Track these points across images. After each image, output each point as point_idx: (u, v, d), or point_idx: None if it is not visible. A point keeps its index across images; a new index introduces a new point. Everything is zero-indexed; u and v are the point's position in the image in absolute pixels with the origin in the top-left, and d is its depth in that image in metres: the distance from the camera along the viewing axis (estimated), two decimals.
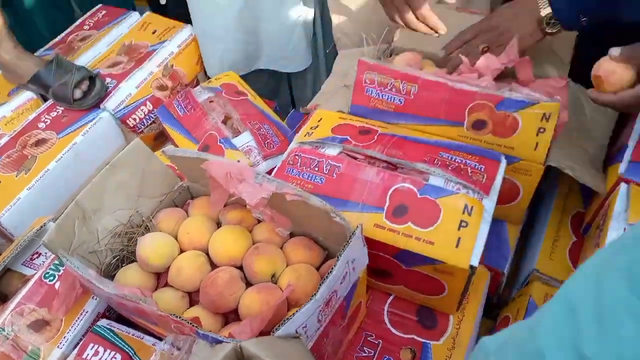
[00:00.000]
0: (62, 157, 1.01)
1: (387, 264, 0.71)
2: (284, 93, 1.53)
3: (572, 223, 0.86)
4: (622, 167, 0.73)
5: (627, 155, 0.74)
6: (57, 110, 1.09)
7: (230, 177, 0.65)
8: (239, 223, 0.71)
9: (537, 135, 0.72)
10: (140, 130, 1.15)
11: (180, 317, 0.54)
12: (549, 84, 0.77)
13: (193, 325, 0.53)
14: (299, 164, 0.74)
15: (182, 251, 0.69)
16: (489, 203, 0.68)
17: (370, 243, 0.65)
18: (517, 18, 0.81)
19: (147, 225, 0.71)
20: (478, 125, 0.74)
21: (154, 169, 0.73)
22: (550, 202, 0.89)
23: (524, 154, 0.74)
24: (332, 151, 0.75)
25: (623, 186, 0.71)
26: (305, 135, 0.79)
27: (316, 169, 0.73)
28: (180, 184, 0.76)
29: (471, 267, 0.64)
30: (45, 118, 1.08)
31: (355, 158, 0.74)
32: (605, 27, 0.75)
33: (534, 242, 0.86)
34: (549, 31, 0.80)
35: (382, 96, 0.78)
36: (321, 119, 0.81)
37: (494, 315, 0.89)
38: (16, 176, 0.98)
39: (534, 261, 0.81)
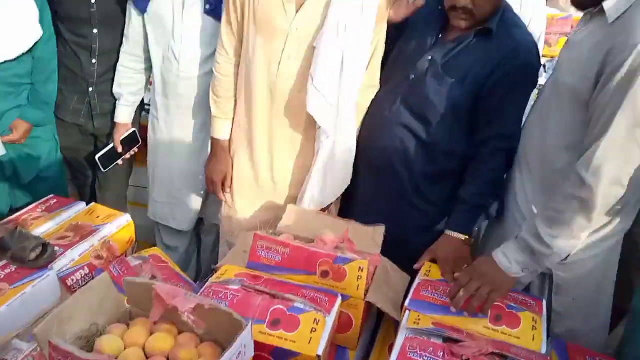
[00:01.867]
0: (11, 303, 1.27)
1: None
2: None
3: (389, 348, 1.30)
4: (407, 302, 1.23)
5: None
6: (11, 268, 1.38)
7: (169, 294, 1.03)
8: (167, 332, 1.05)
9: (357, 280, 1.21)
10: (74, 289, 1.45)
11: None
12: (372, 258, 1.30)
13: None
14: (211, 294, 1.14)
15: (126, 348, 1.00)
16: (330, 319, 1.12)
17: (256, 344, 1.03)
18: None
19: (101, 333, 1.02)
20: (324, 274, 1.22)
21: (111, 294, 1.08)
22: (376, 337, 1.34)
23: (351, 292, 1.21)
24: (234, 286, 1.16)
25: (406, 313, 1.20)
26: (215, 279, 1.20)
27: (222, 297, 1.13)
28: (126, 307, 1.10)
29: (318, 356, 1.04)
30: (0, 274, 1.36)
31: (249, 290, 1.16)
32: None
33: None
34: None
35: (268, 255, 1.25)
36: (227, 270, 1.24)
37: None
38: None
39: None
